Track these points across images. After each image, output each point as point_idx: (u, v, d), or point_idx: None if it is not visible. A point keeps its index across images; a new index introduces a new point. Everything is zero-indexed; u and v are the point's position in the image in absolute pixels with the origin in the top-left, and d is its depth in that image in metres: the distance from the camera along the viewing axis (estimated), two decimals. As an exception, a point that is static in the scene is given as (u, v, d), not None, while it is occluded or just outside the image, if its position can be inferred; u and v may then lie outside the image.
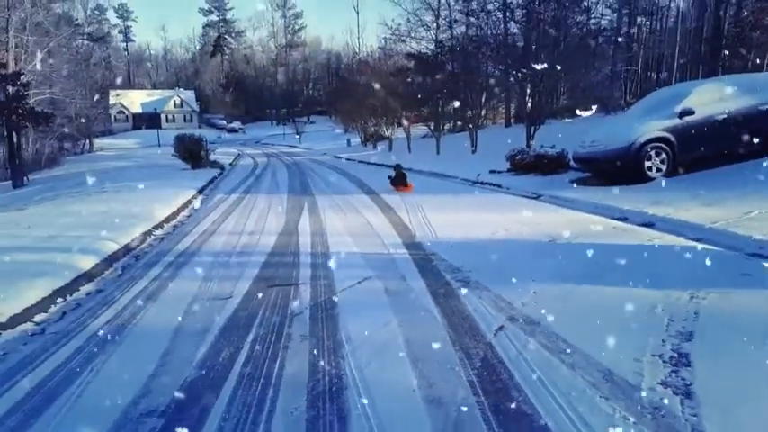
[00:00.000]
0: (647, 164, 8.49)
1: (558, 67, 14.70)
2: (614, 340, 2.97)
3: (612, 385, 2.52)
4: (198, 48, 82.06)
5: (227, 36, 79.17)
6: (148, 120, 61.72)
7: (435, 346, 3.18)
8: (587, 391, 2.49)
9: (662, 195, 7.12)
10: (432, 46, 26.31)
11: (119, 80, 64.90)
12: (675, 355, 2.78)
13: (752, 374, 2.55)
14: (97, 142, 45.28)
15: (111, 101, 57.30)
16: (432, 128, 24.71)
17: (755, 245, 4.67)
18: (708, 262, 4.50)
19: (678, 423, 2.19)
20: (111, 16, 74.92)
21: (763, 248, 4.59)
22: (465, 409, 2.45)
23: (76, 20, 53.34)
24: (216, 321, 3.88)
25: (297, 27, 75.92)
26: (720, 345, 2.88)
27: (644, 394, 2.42)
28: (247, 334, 3.62)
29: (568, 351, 2.92)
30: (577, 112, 9.01)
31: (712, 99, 8.63)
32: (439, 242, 6.03)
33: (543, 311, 3.52)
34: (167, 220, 8.94)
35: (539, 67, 13.97)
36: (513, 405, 2.44)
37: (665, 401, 2.35)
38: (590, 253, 5.03)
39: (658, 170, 8.51)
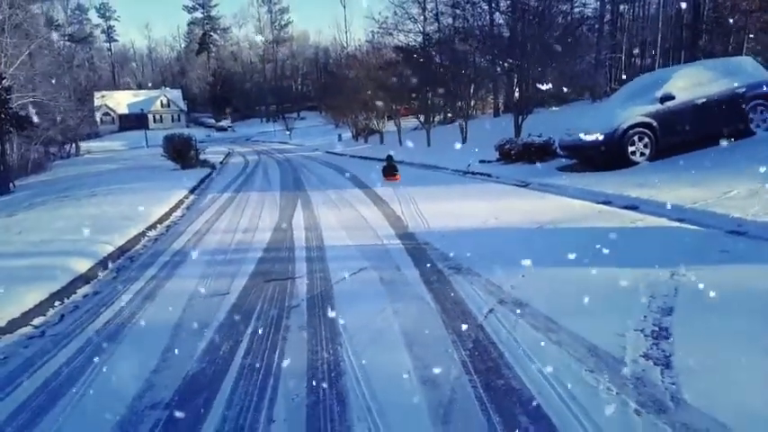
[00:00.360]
0: (631, 149, 8.66)
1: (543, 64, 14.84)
2: (598, 318, 3.12)
3: (597, 359, 2.67)
4: (183, 46, 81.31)
5: (212, 33, 78.41)
6: (135, 121, 61.14)
7: (429, 330, 3.31)
8: (573, 365, 2.63)
9: (645, 179, 7.29)
10: (419, 38, 26.33)
11: (103, 81, 64.17)
12: (656, 329, 2.92)
13: (727, 345, 2.70)
14: (84, 145, 44.84)
15: (97, 102, 56.67)
16: (422, 120, 24.79)
17: (734, 223, 4.84)
18: (688, 241, 4.67)
19: (658, 392, 2.33)
20: (93, 16, 73.86)
21: (741, 226, 4.76)
22: (458, 387, 2.57)
23: (57, 20, 52.54)
24: (215, 317, 3.97)
25: (283, 22, 75.36)
26: (698, 318, 3.03)
27: (627, 366, 2.56)
28: (246, 327, 3.72)
29: (555, 329, 3.07)
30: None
31: (691, 83, 8.81)
32: (431, 232, 6.16)
33: (531, 294, 3.67)
34: (160, 220, 8.99)
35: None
36: (503, 382, 2.57)
37: (647, 372, 2.49)
38: (575, 236, 5.18)
39: (642, 154, 8.68)
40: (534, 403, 2.34)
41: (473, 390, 2.53)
